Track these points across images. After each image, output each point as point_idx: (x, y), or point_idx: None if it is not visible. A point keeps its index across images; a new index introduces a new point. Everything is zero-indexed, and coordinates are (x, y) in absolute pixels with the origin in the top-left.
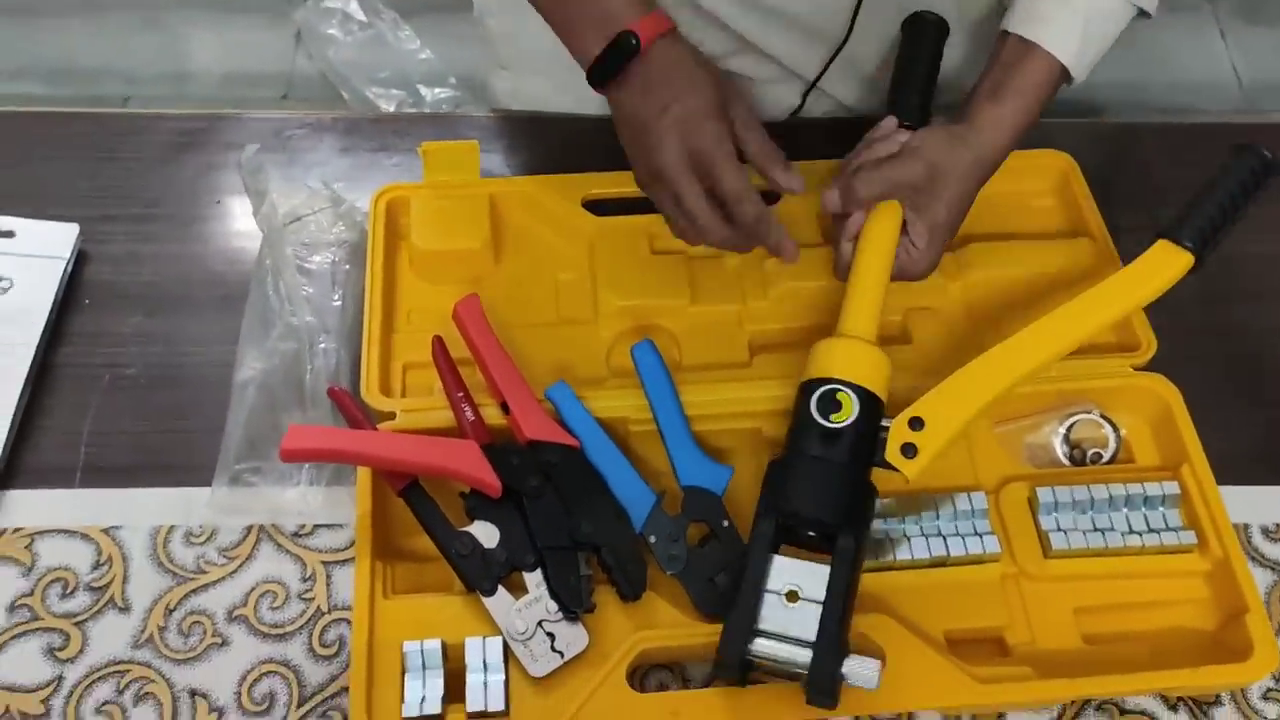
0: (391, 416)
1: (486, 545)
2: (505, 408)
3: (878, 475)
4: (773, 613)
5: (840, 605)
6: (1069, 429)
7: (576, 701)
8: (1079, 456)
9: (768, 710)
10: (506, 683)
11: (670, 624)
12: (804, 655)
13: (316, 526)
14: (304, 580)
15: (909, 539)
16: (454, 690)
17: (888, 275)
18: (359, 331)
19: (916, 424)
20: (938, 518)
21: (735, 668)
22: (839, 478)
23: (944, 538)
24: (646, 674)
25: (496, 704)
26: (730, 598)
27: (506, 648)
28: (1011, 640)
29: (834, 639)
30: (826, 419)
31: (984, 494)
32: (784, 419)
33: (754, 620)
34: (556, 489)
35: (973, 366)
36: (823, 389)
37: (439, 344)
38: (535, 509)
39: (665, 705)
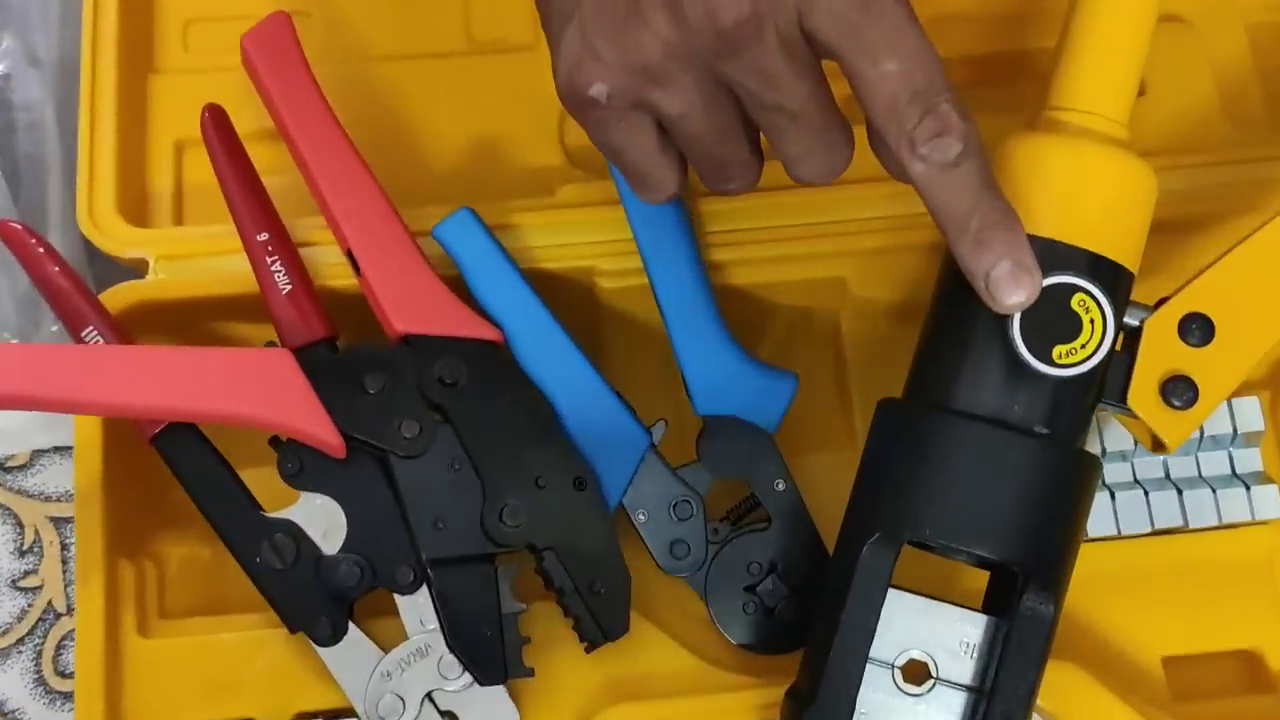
0: (140, 271)
1: (324, 546)
2: (353, 261)
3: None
4: (881, 702)
5: (1016, 707)
6: None
7: None
8: None
9: None
10: None
11: (674, 676)
12: None
13: (37, 454)
14: (20, 554)
15: (1110, 490)
16: None
17: None
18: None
19: (1198, 331)
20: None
21: None
22: (1042, 469)
23: (1176, 488)
24: None
25: None
26: (794, 625)
27: None
28: (1277, 665)
29: None
30: (1046, 356)
31: (1255, 400)
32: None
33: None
34: (458, 435)
35: None
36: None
37: (214, 119)
38: (415, 480)
39: None
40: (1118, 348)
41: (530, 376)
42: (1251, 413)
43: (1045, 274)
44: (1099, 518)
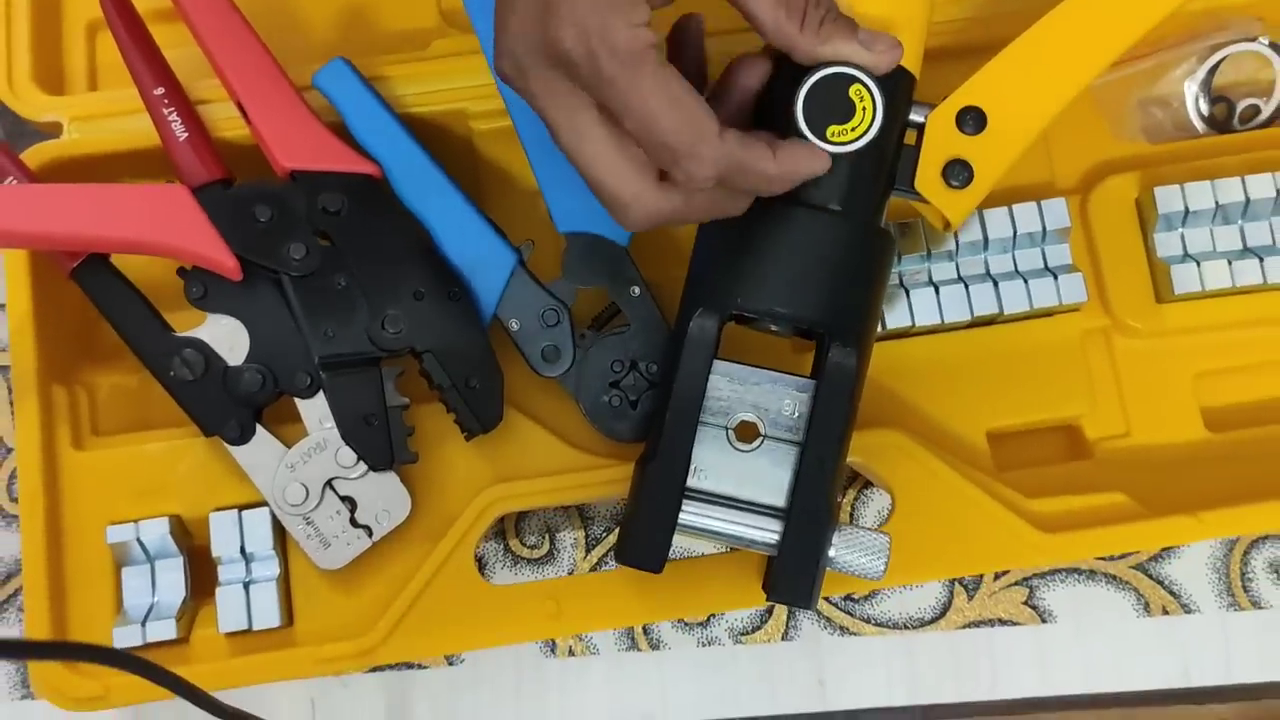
0: (54, 131)
1: (229, 358)
2: (243, 111)
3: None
4: (715, 459)
5: (830, 455)
6: (1213, 70)
7: (397, 608)
8: (1223, 116)
9: (703, 596)
10: (284, 581)
11: (549, 461)
12: (766, 530)
13: None
14: None
15: (935, 286)
16: (204, 587)
17: None
18: None
19: (972, 121)
20: (984, 247)
21: (654, 559)
22: (837, 240)
23: (993, 280)
24: (523, 516)
25: (267, 618)
26: (653, 415)
27: (279, 526)
28: (1093, 433)
29: (818, 509)
30: (822, 134)
31: (1063, 201)
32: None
33: (684, 475)
34: (342, 256)
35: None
36: (818, 77)
37: None
38: (306, 295)
39: (541, 600)
40: (909, 142)
41: (407, 206)
42: (1059, 212)
43: (828, 71)
44: (924, 309)
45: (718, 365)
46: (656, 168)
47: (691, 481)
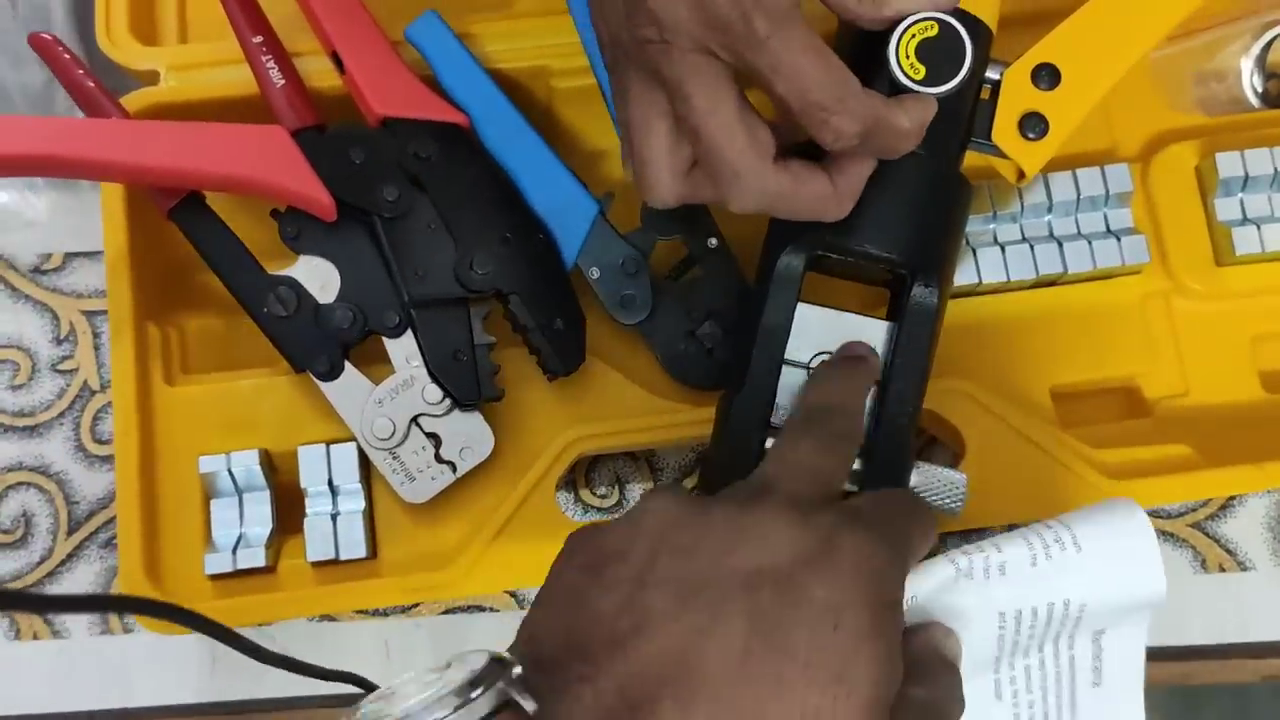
0: (153, 79)
1: (320, 297)
2: (338, 62)
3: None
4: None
5: (910, 391)
6: (1267, 47)
7: (480, 541)
8: (1276, 92)
9: None
10: (369, 514)
11: (626, 405)
12: None
13: (69, 257)
14: (58, 342)
15: (1001, 246)
16: (289, 522)
17: None
18: None
19: (1047, 77)
20: (1049, 210)
21: None
22: (922, 183)
23: (1058, 242)
24: (593, 465)
25: (353, 549)
26: (729, 363)
27: (365, 460)
28: (1152, 393)
29: (898, 449)
30: (913, 74)
31: (1125, 167)
32: None
33: (768, 410)
34: (432, 201)
35: None
36: (902, 30)
37: None
38: (397, 237)
39: None
40: (984, 97)
41: (493, 155)
42: (1122, 176)
43: (919, 18)
44: (991, 267)
45: (801, 307)
46: (773, 150)
47: (774, 420)
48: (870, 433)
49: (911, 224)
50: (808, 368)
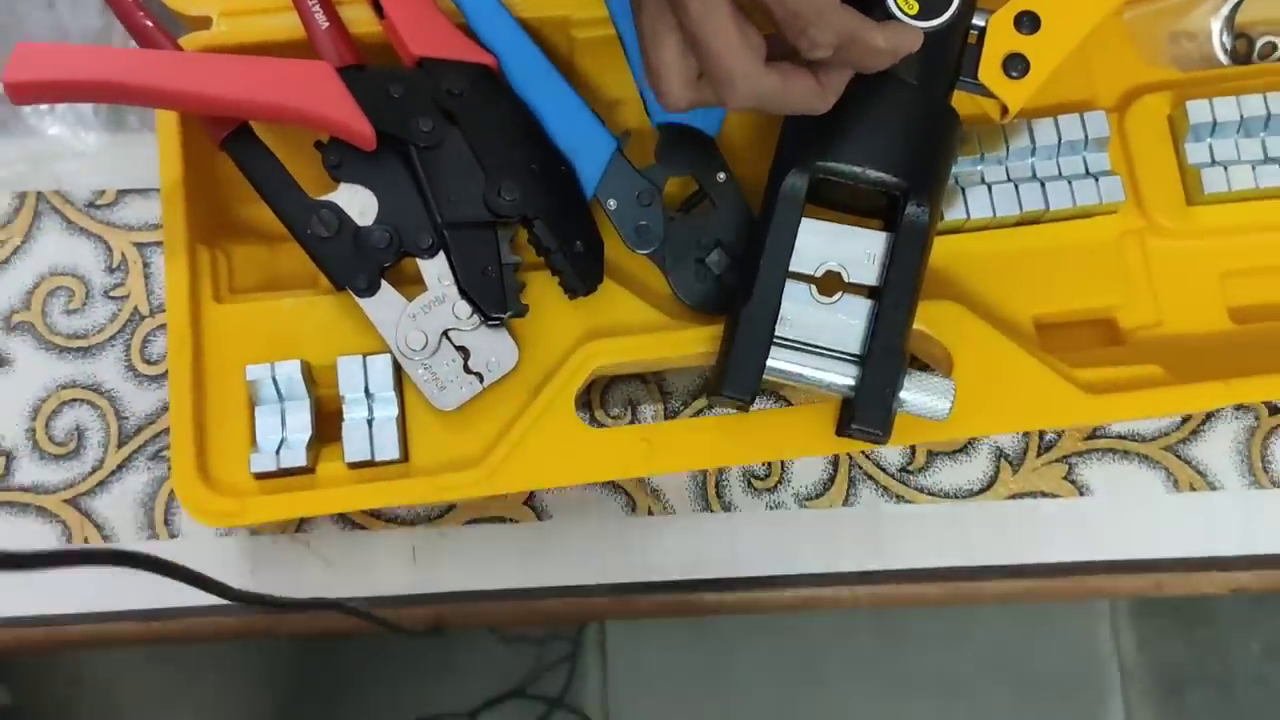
0: (205, 24)
1: (360, 221)
2: (378, 8)
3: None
4: (800, 311)
5: (904, 300)
6: (1235, 8)
7: (505, 445)
8: (1244, 51)
9: (780, 440)
10: (401, 420)
11: (640, 326)
12: (844, 374)
13: (122, 193)
14: (111, 270)
15: (988, 185)
16: (326, 431)
17: None
18: None
19: (1028, 22)
20: (1032, 153)
21: (747, 389)
22: (910, 108)
23: (1040, 182)
24: (607, 388)
25: (387, 451)
26: (735, 288)
27: (399, 370)
28: (1127, 324)
29: (893, 352)
30: (906, 10)
31: (1102, 114)
32: None
33: (773, 321)
34: (463, 133)
35: None
36: None
37: None
38: (431, 165)
39: (634, 440)
40: (971, 41)
41: (519, 94)
42: (1100, 123)
43: None
44: (978, 205)
45: (805, 222)
46: (764, 53)
47: (779, 331)
48: (866, 343)
49: (906, 148)
50: (810, 285)
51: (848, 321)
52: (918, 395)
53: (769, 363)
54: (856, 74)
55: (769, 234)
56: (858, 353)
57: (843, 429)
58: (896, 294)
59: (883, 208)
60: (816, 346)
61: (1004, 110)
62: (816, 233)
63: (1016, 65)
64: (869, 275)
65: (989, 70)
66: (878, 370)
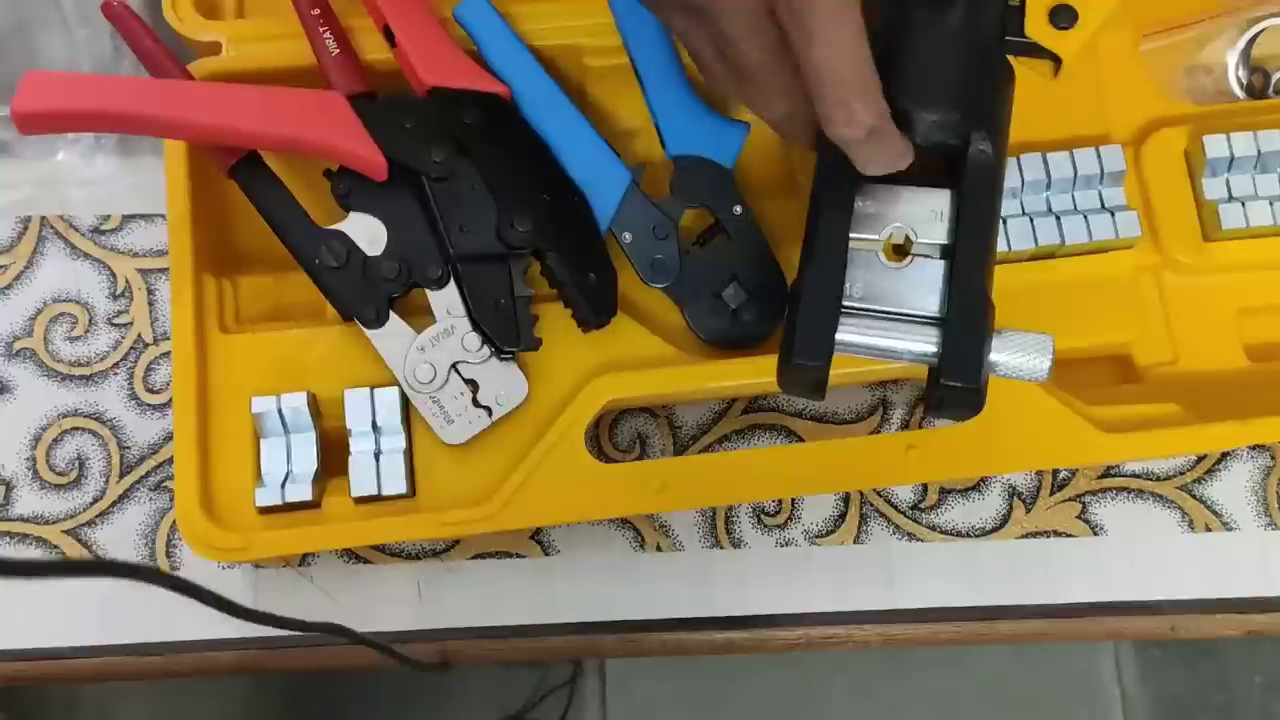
0: (215, 50)
1: (369, 251)
2: (390, 36)
3: None
4: (870, 278)
5: (982, 247)
6: (1251, 42)
7: (514, 480)
8: (1260, 85)
9: (793, 476)
10: (409, 454)
11: (653, 360)
12: (926, 339)
13: (127, 219)
14: (114, 297)
15: (1003, 219)
16: (332, 464)
17: None
18: None
19: None
20: (1047, 187)
21: (817, 360)
22: (971, 55)
23: (1056, 217)
24: (616, 421)
25: (394, 485)
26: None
27: (406, 403)
28: (1143, 360)
29: (978, 304)
30: None
31: (1118, 148)
32: None
33: (839, 286)
34: (475, 165)
35: None
36: None
37: None
38: (443, 196)
39: (645, 477)
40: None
41: (533, 125)
42: (1115, 157)
43: None
44: None
45: (865, 186)
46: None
47: (846, 302)
48: (945, 305)
49: (966, 89)
50: (877, 249)
51: (924, 279)
52: (1011, 356)
53: (841, 336)
54: (913, 29)
55: (824, 196)
56: (937, 313)
57: (931, 403)
58: (973, 242)
59: (942, 170)
60: (891, 313)
61: (1057, 65)
62: (878, 196)
63: (1064, 16)
64: (939, 233)
65: (1036, 24)
66: (964, 326)
